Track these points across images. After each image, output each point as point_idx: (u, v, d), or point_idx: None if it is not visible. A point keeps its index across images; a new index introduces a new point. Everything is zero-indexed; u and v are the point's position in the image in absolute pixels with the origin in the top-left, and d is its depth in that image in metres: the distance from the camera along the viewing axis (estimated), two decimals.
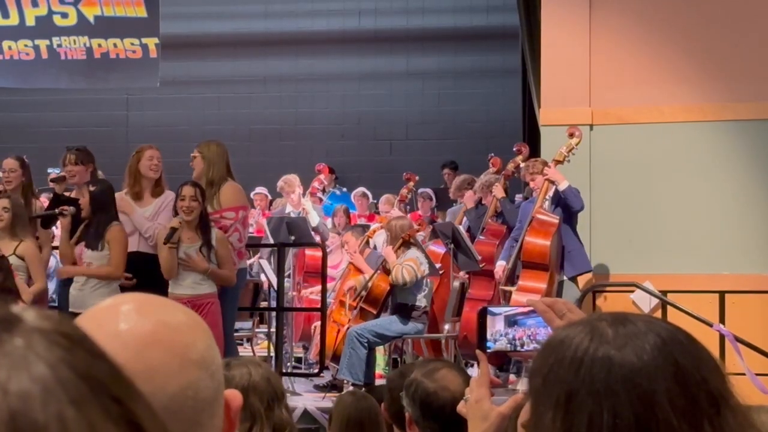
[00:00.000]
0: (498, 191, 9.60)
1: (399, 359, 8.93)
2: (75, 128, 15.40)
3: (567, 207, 8.58)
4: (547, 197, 8.66)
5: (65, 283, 7.68)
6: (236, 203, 7.69)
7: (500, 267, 8.88)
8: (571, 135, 8.75)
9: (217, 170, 7.67)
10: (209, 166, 7.67)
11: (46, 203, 8.29)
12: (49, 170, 10.71)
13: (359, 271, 9.48)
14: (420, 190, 12.12)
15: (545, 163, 8.83)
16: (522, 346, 2.50)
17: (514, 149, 10.02)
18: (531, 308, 2.26)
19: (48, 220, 8.00)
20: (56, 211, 7.56)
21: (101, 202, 7.34)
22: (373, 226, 10.55)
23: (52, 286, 8.89)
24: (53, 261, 9.02)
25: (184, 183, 7.34)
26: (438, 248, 9.60)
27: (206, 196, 7.39)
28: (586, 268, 8.71)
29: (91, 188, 7.40)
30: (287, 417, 3.14)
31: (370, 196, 12.37)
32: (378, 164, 15.20)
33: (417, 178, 11.62)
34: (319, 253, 9.41)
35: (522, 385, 8.74)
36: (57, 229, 8.36)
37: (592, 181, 9.17)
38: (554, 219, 8.53)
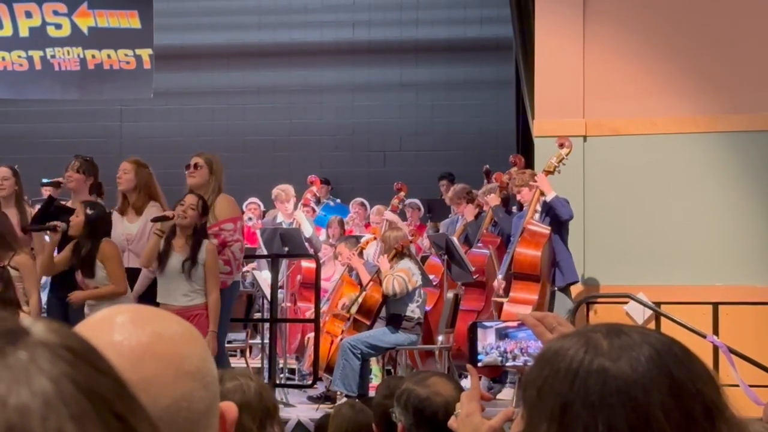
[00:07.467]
0: (492, 200, 9.61)
1: (392, 370, 8.91)
2: (68, 139, 15.34)
3: (556, 217, 8.59)
4: (537, 208, 8.67)
5: (55, 295, 7.67)
6: (232, 214, 7.68)
7: (499, 283, 8.84)
8: (561, 145, 8.76)
9: (219, 184, 7.67)
10: (216, 181, 7.65)
11: None
12: (43, 180, 10.68)
13: (352, 283, 9.46)
14: (408, 201, 12.11)
15: (532, 175, 8.85)
16: (513, 358, 2.49)
17: (510, 160, 10.03)
18: (521, 322, 2.26)
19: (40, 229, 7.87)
20: (49, 224, 7.49)
21: (93, 228, 7.29)
22: (365, 237, 10.52)
23: (43, 297, 8.84)
24: None
25: (191, 194, 7.33)
26: (439, 260, 9.57)
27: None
28: (574, 279, 8.70)
29: (89, 211, 7.32)
30: None
31: (368, 206, 12.36)
32: (372, 175, 15.18)
33: (407, 188, 11.57)
34: (314, 265, 9.39)
35: (505, 394, 8.74)
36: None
37: (586, 192, 9.17)
38: (545, 230, 8.53)
